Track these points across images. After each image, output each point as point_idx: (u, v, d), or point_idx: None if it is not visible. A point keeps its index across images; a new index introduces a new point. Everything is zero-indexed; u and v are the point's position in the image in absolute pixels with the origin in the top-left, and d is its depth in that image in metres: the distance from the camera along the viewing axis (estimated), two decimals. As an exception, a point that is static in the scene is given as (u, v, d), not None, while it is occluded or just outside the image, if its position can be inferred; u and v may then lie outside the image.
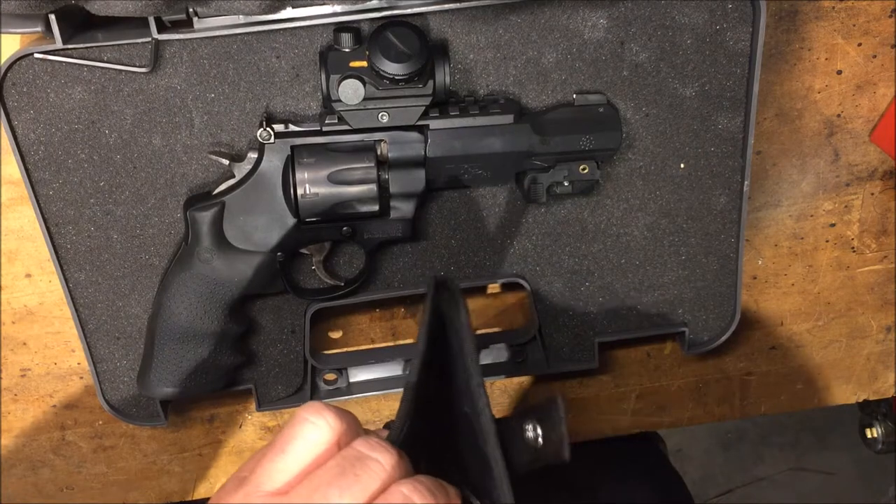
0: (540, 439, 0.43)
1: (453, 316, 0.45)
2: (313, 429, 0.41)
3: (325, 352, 0.72)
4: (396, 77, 0.55)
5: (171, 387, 0.62)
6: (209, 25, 0.55)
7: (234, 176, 0.60)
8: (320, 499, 0.38)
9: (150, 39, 0.55)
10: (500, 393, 0.76)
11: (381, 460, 0.40)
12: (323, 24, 0.57)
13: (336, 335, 0.72)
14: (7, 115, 0.57)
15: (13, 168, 0.61)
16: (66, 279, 0.62)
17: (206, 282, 0.60)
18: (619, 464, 0.83)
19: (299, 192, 0.58)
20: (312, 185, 0.58)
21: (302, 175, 0.58)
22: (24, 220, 0.65)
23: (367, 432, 0.43)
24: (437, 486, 0.41)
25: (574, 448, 0.41)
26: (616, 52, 0.60)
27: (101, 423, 0.73)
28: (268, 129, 0.58)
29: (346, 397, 0.70)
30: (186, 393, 0.63)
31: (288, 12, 0.56)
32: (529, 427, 0.44)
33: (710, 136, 0.63)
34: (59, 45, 0.54)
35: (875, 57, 0.67)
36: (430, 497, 0.39)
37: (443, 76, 0.57)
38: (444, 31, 0.58)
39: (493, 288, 0.72)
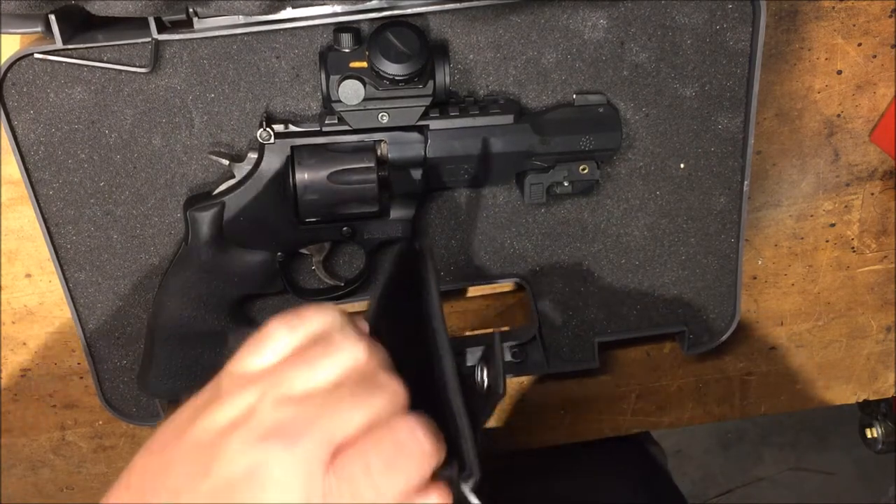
0: (485, 382, 0.43)
1: (420, 269, 0.44)
2: (287, 331, 0.40)
3: (325, 352, 0.71)
4: (396, 77, 0.55)
5: (171, 387, 0.62)
6: (209, 26, 0.55)
7: (234, 176, 0.59)
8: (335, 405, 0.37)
9: (150, 39, 0.55)
10: (500, 393, 0.75)
11: (393, 388, 0.38)
12: (323, 25, 0.57)
13: (336, 335, 0.72)
14: (7, 115, 0.57)
15: (13, 168, 0.61)
16: (66, 279, 0.62)
17: (206, 282, 0.60)
18: (614, 467, 0.83)
19: (299, 192, 0.58)
20: (312, 185, 0.58)
21: (302, 175, 0.58)
22: (24, 220, 0.65)
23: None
24: (436, 428, 0.39)
25: (572, 448, 0.40)
26: (616, 52, 0.60)
27: (101, 423, 0.73)
28: (268, 129, 0.58)
29: (346, 397, 0.70)
30: (186, 393, 0.63)
31: (288, 12, 0.56)
32: (478, 372, 0.44)
33: (710, 136, 0.63)
34: (59, 45, 0.54)
35: (875, 57, 0.67)
36: (434, 437, 0.37)
37: (443, 76, 0.57)
38: (444, 31, 0.58)
39: (493, 288, 0.72)
